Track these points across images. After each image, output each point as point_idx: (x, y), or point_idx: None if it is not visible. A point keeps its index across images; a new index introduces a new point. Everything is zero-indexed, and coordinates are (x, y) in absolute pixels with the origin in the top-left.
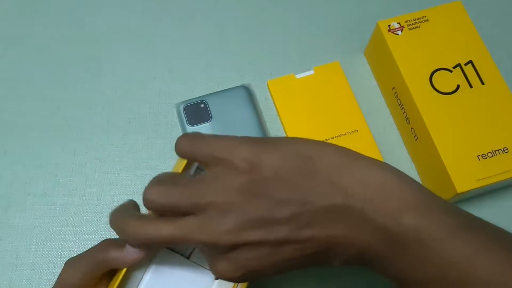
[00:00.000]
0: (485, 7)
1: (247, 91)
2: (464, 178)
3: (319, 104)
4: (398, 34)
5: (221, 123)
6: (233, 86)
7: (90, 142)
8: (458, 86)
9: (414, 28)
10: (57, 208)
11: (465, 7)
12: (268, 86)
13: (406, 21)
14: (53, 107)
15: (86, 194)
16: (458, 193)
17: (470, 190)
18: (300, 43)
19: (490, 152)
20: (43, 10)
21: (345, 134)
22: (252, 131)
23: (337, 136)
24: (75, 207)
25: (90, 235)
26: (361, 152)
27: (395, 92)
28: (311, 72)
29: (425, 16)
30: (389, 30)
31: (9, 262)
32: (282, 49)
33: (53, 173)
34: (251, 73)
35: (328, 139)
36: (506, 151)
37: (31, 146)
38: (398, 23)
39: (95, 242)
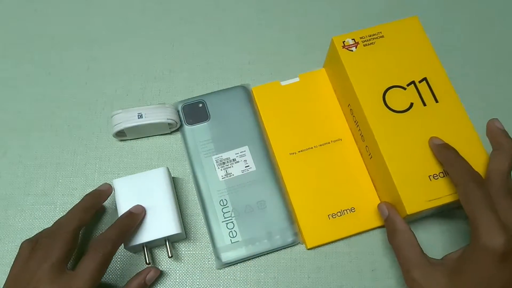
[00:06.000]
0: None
1: (246, 91)
2: (415, 199)
3: (304, 112)
4: (352, 51)
5: (219, 123)
6: (232, 86)
7: (90, 142)
8: (411, 104)
9: (369, 44)
10: (57, 208)
11: (422, 22)
12: (252, 93)
13: (361, 37)
14: (53, 107)
15: None
16: (408, 215)
17: (420, 211)
18: (300, 43)
19: (442, 172)
20: (43, 10)
21: (329, 143)
22: (249, 131)
23: (320, 145)
24: None
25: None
26: (344, 162)
27: (351, 109)
28: (296, 79)
29: (381, 32)
30: (343, 46)
31: (9, 262)
32: (282, 50)
33: (53, 173)
34: (251, 73)
35: (312, 148)
36: None
37: (31, 146)
38: (353, 39)
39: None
